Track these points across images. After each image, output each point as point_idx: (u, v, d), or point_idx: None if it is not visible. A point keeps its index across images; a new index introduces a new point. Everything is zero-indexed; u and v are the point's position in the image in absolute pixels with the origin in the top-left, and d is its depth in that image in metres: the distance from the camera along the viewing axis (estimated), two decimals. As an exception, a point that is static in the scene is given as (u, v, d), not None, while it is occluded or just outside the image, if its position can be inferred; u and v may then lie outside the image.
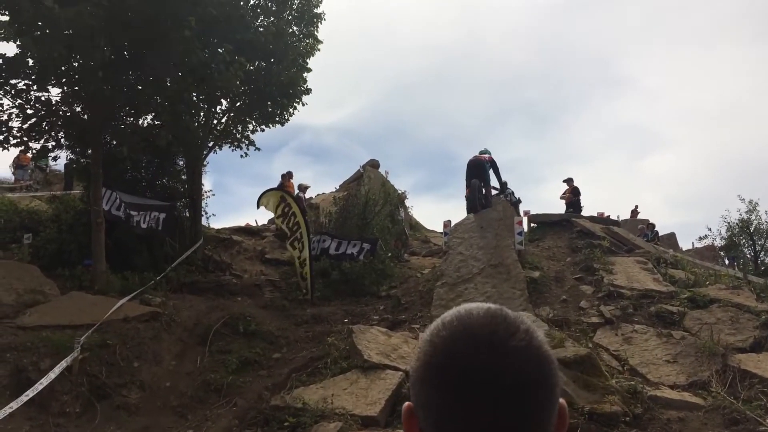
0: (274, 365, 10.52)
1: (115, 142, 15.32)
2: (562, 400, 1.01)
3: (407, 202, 27.36)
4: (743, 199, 25.06)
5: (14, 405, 7.79)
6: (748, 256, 24.58)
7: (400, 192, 24.38)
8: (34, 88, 13.30)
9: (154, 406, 9.39)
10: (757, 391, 8.56)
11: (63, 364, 8.88)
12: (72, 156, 15.32)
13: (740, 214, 24.80)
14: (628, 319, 10.96)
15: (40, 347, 9.44)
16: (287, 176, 22.00)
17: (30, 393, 8.16)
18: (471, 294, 11.98)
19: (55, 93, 13.59)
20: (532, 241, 16.08)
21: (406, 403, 1.04)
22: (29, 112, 13.43)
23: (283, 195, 16.34)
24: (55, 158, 15.38)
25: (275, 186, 20.18)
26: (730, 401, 8.22)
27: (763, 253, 24.77)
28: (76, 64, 13.08)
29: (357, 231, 17.65)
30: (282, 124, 17.44)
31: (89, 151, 14.24)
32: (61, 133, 14.08)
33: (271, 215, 20.70)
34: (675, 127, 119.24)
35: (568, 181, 21.17)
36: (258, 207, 16.74)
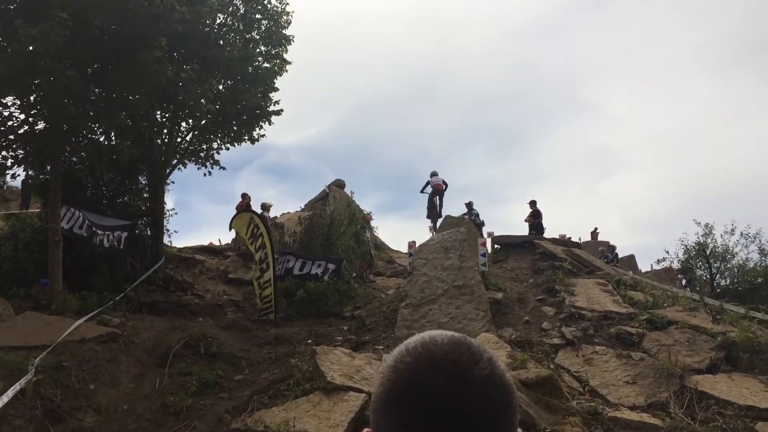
0: (235, 387, 10.35)
1: (75, 159, 15.07)
2: (519, 430, 1.02)
3: (372, 223, 27.39)
4: (699, 223, 25.72)
5: (-37, 430, 7.52)
6: (705, 278, 25.14)
7: (366, 212, 24.38)
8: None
9: (110, 430, 9.14)
10: (713, 411, 8.74)
11: (16, 386, 8.61)
12: (30, 172, 14.98)
13: (697, 237, 25.43)
14: (589, 340, 11.11)
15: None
16: (242, 196, 21.67)
17: (-19, 417, 7.88)
18: (435, 315, 12.01)
19: (14, 109, 13.36)
20: (495, 263, 16.22)
21: (366, 429, 1.04)
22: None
23: (252, 216, 16.22)
24: (13, 176, 14.96)
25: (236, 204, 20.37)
26: (687, 422, 8.37)
27: (718, 275, 25.39)
28: (37, 81, 12.86)
29: (322, 251, 17.58)
30: (252, 143, 17.40)
31: (48, 168, 13.96)
32: (20, 150, 13.78)
33: (235, 234, 20.61)
34: (634, 151, 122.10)
35: (532, 203, 21.47)
36: (230, 230, 16.93)
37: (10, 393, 8.44)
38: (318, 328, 13.65)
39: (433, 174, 22.88)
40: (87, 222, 14.18)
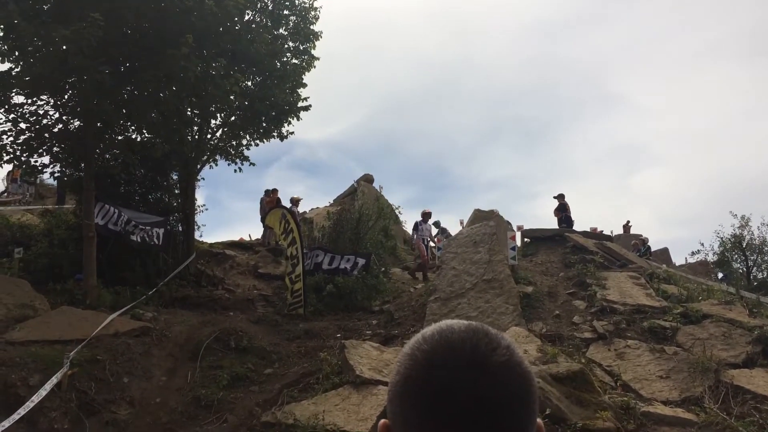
0: (265, 381, 10.43)
1: (108, 156, 15.33)
2: (539, 420, 1.00)
3: (401, 217, 27.33)
4: (735, 215, 25.23)
5: (6, 423, 7.70)
6: (741, 271, 24.64)
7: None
8: (28, 102, 13.32)
9: (143, 423, 9.29)
10: (749, 407, 8.55)
11: (53, 380, 8.79)
12: (65, 170, 15.28)
13: (733, 230, 24.93)
14: (621, 334, 10.94)
15: (29, 363, 9.35)
16: (272, 192, 22.10)
17: (22, 411, 8.06)
18: (464, 309, 11.95)
19: (49, 108, 13.62)
20: (525, 256, 16.10)
21: (382, 420, 1.02)
22: (23, 126, 13.42)
23: (284, 212, 16.34)
24: (52, 174, 15.18)
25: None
26: (723, 417, 8.20)
27: (755, 268, 24.86)
28: (71, 80, 13.09)
29: (350, 246, 17.63)
30: (281, 139, 17.50)
31: (82, 165, 14.21)
32: (55, 147, 14.05)
33: (264, 229, 20.82)
34: (667, 144, 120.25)
35: (559, 197, 21.25)
36: (263, 226, 17.14)
37: (47, 386, 8.62)
38: (347, 322, 13.70)
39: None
40: (125, 218, 14.41)
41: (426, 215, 20.10)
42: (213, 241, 21.44)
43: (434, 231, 22.18)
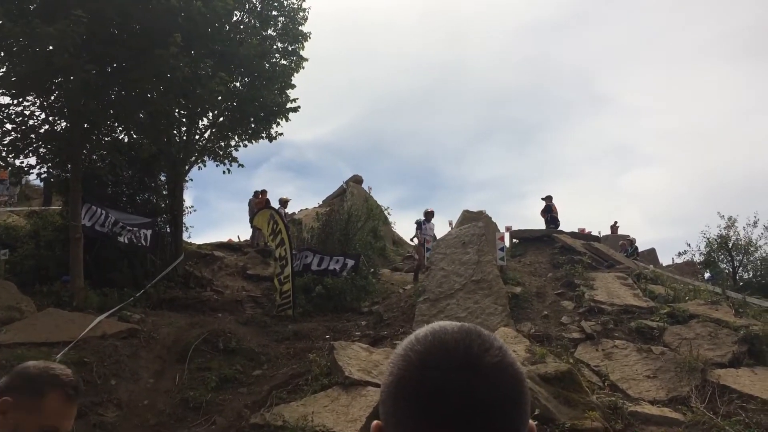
0: (254, 382, 10.40)
1: (95, 157, 15.23)
2: (531, 422, 1.00)
3: (390, 218, 27.34)
4: (722, 216, 25.46)
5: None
6: (727, 271, 24.85)
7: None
8: (14, 103, 13.21)
9: (131, 425, 9.22)
10: (736, 406, 8.62)
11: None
12: (52, 171, 15.15)
13: (719, 230, 25.15)
14: (609, 334, 11.00)
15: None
16: (261, 193, 22.08)
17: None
18: (453, 309, 11.97)
19: (35, 109, 13.52)
20: (513, 257, 16.15)
21: (375, 421, 1.02)
22: (8, 127, 13.31)
23: (272, 213, 16.32)
24: (38, 175, 15.04)
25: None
26: (709, 416, 8.26)
27: (741, 268, 25.09)
28: (57, 80, 13.00)
29: (339, 247, 17.61)
30: (270, 140, 17.40)
31: (69, 166, 14.10)
32: (42, 148, 13.94)
33: (253, 230, 20.76)
34: (655, 144, 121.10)
35: (546, 198, 21.36)
36: (251, 227, 17.05)
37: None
38: (336, 323, 13.69)
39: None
40: (112, 219, 14.31)
41: (429, 214, 19.44)
42: (201, 243, 21.37)
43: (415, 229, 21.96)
